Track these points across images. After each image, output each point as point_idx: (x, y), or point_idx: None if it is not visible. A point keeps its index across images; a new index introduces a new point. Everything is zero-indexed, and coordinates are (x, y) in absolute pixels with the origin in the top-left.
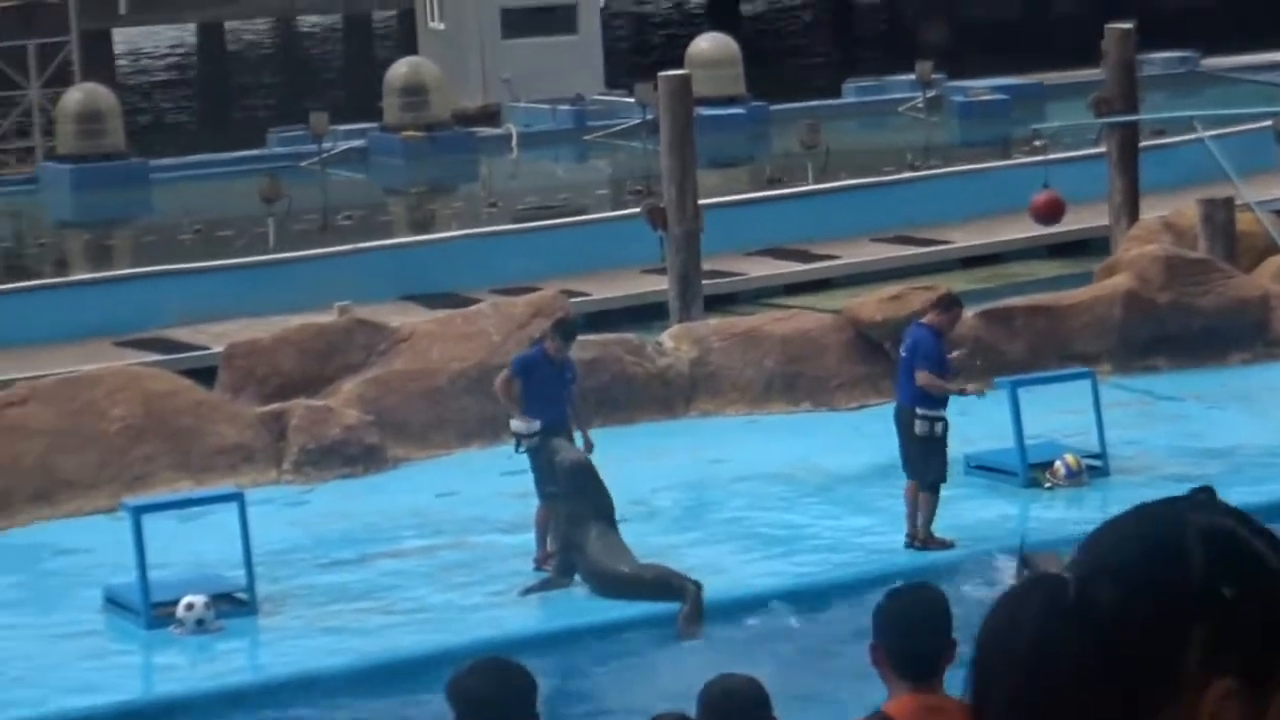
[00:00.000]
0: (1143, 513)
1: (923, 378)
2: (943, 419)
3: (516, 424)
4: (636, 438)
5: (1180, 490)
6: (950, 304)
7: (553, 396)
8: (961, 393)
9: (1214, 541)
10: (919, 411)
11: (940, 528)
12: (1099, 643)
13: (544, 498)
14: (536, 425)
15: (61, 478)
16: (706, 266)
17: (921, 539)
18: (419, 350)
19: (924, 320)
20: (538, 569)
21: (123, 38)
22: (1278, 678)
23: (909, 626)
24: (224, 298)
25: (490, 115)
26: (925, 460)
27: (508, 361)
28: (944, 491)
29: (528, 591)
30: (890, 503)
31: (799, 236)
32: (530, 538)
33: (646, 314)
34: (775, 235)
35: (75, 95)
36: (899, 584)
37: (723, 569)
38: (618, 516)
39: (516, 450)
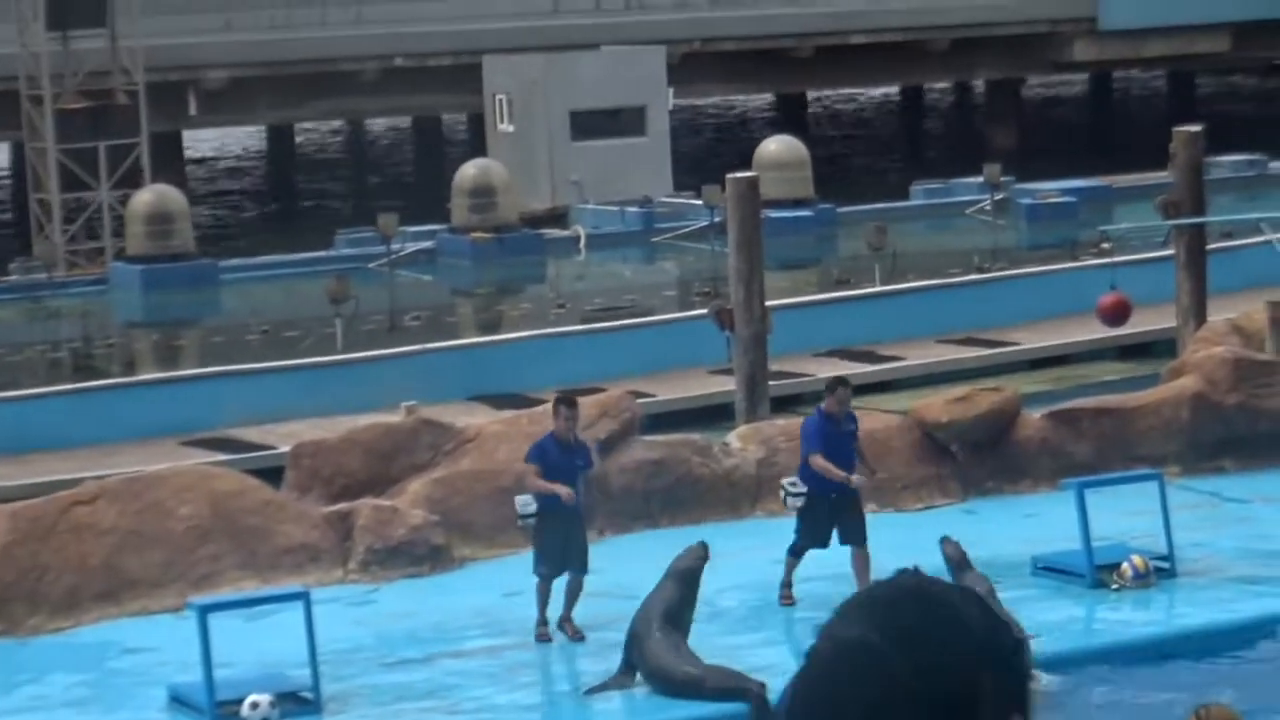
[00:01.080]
0: (896, 586)
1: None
2: (800, 494)
3: (517, 500)
4: (703, 538)
5: (1251, 592)
6: (833, 386)
7: (563, 481)
8: (846, 481)
9: (979, 605)
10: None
11: None
12: (916, 700)
13: (539, 576)
14: (534, 505)
15: (128, 577)
16: (773, 367)
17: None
18: (485, 450)
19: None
20: (538, 640)
21: (193, 139)
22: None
23: None
24: (291, 398)
25: (558, 217)
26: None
27: None
28: (1013, 591)
29: (591, 691)
30: None
31: (866, 338)
32: (597, 638)
33: (713, 415)
34: (842, 336)
35: (145, 196)
36: None
37: (788, 670)
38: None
39: (518, 526)
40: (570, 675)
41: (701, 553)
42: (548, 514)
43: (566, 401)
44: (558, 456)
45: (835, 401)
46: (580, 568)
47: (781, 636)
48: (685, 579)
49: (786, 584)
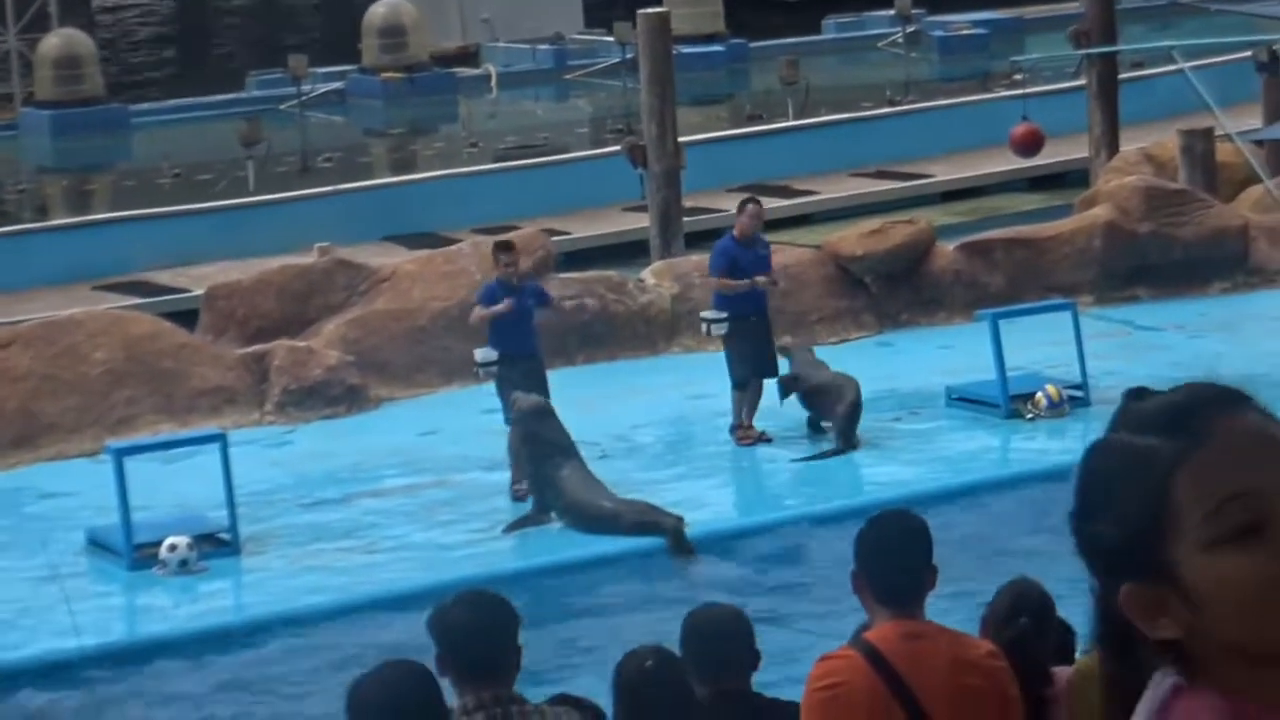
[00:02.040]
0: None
1: (710, 281)
2: (721, 319)
3: (477, 353)
4: (618, 374)
5: None
6: (743, 204)
7: (515, 324)
8: (751, 286)
9: None
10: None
11: (922, 458)
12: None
13: (510, 424)
14: (494, 355)
15: (43, 421)
16: (687, 203)
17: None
18: (400, 290)
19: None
20: (515, 499)
21: None
22: None
23: (890, 554)
24: (204, 241)
25: (469, 56)
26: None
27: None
28: (927, 423)
29: (509, 529)
30: (869, 435)
31: (779, 173)
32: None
33: (628, 251)
34: (755, 172)
35: (53, 41)
36: (879, 512)
37: (705, 503)
38: (602, 452)
39: (478, 377)
40: (489, 513)
41: (527, 393)
42: (505, 362)
43: (503, 247)
44: (506, 299)
45: (747, 218)
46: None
47: (699, 471)
48: (547, 413)
49: (738, 424)
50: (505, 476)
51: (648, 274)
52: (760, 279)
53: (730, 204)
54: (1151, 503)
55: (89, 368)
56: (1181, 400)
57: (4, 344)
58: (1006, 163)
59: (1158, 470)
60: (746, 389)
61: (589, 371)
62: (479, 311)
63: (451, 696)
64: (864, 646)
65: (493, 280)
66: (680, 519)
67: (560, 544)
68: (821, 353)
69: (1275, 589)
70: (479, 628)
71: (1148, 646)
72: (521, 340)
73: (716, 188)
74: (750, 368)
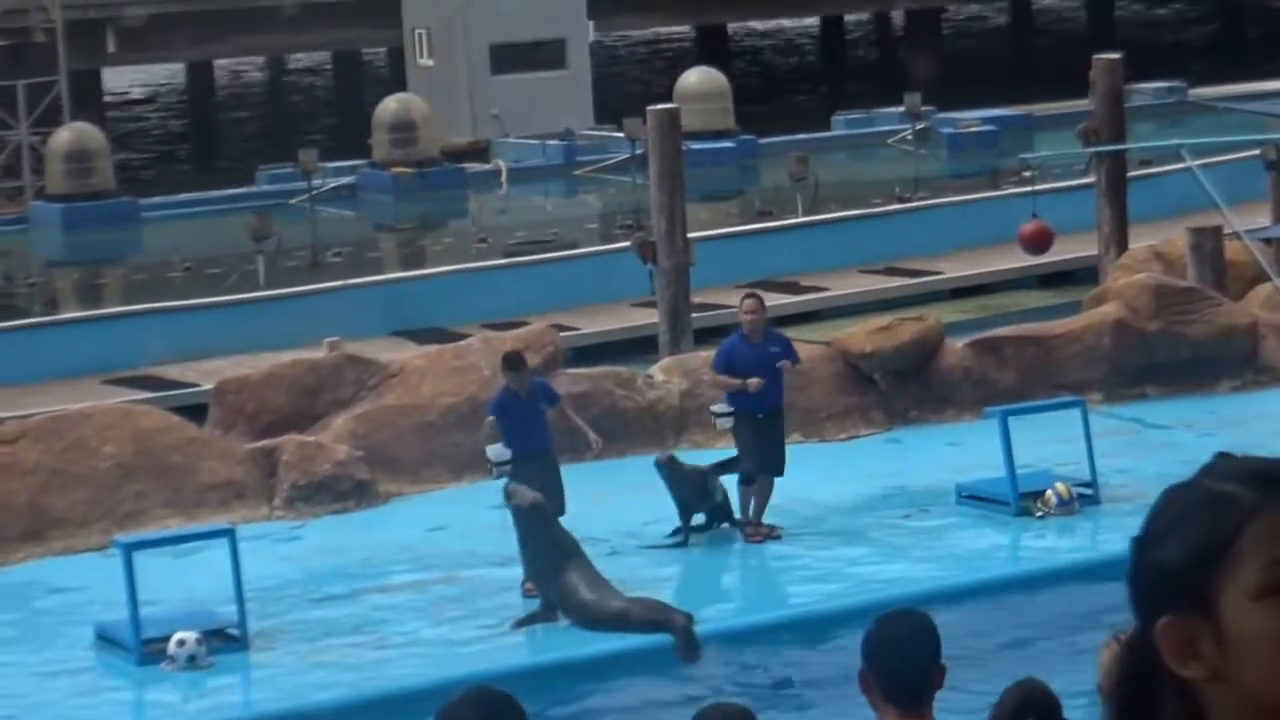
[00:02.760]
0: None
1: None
2: (727, 414)
3: (490, 451)
4: (627, 470)
5: None
6: (742, 300)
7: (528, 430)
8: (744, 388)
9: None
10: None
11: (932, 556)
12: None
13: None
14: (508, 454)
15: (53, 515)
16: (696, 299)
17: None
18: (409, 385)
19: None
20: (526, 596)
21: (112, 76)
22: None
23: (897, 652)
24: (214, 335)
25: (479, 151)
26: None
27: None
28: (937, 520)
29: (518, 625)
30: (881, 533)
31: (788, 269)
32: (520, 571)
33: (637, 347)
34: (765, 268)
35: (64, 135)
36: (888, 610)
37: (714, 600)
38: (611, 549)
39: (491, 475)
40: (498, 609)
41: (526, 489)
42: (519, 461)
43: (511, 364)
44: (516, 407)
45: (742, 314)
46: (560, 507)
47: (707, 568)
48: (544, 513)
49: (748, 520)
50: (515, 572)
51: (656, 370)
52: (752, 381)
53: (738, 300)
54: (1218, 538)
55: (98, 461)
56: (1270, 465)
57: (13, 438)
58: (1016, 260)
59: (1233, 512)
60: (752, 484)
61: (599, 467)
62: (490, 427)
63: None
64: None
65: (503, 390)
66: (689, 616)
67: (570, 641)
68: (830, 449)
69: None
70: None
71: (1164, 698)
72: (533, 439)
73: (726, 284)
74: (754, 464)
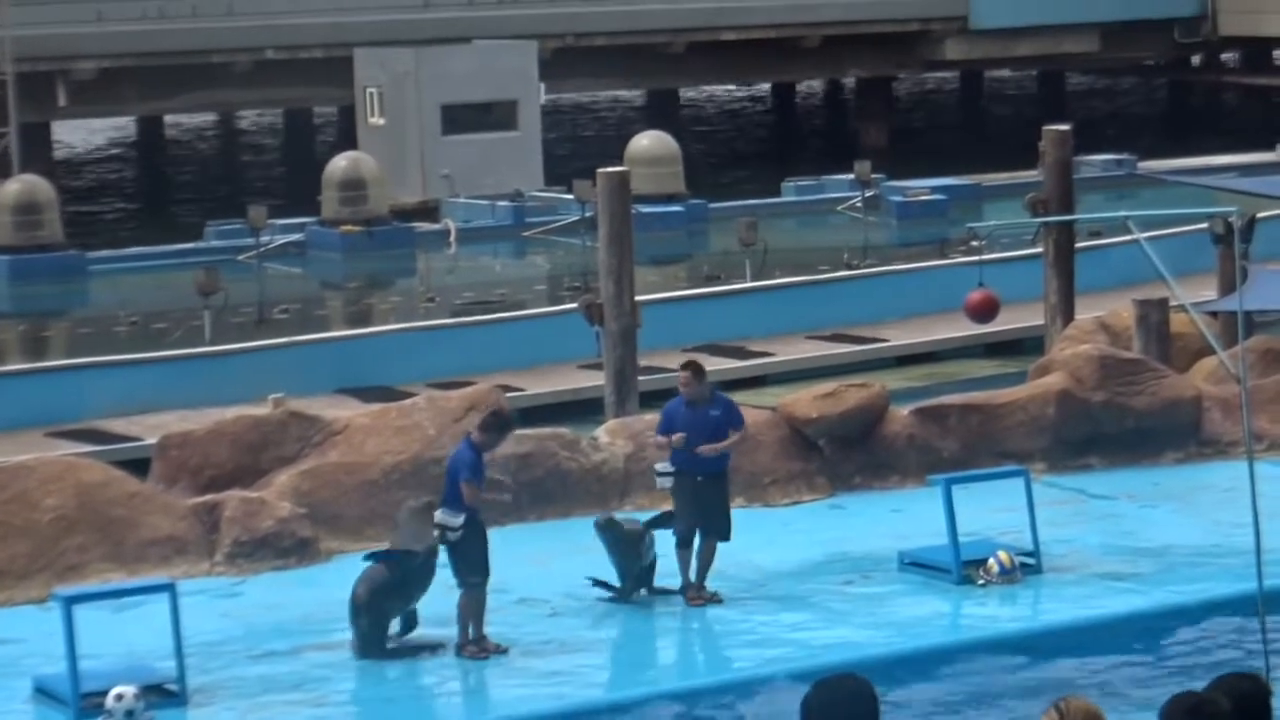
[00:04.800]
0: None
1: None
2: (668, 473)
3: (441, 517)
4: (571, 532)
5: (1116, 589)
6: (682, 367)
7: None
8: (677, 445)
9: None
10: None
11: (873, 623)
12: None
13: (468, 587)
14: (460, 520)
15: None
16: (643, 362)
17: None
18: (353, 443)
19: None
20: (458, 655)
21: (62, 129)
22: None
23: (836, 715)
24: (159, 389)
25: (429, 210)
26: None
27: (443, 455)
28: (879, 587)
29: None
30: (823, 599)
31: (736, 333)
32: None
33: (582, 409)
34: (712, 332)
35: (13, 187)
36: (826, 675)
37: (653, 664)
38: (552, 610)
39: (442, 542)
40: (437, 668)
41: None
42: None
43: (499, 429)
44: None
45: (680, 383)
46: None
47: (646, 631)
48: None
49: (688, 584)
50: (455, 630)
51: (601, 432)
52: (676, 436)
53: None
54: None
55: (39, 514)
56: None
57: None
58: (963, 328)
59: None
60: (689, 548)
61: (541, 528)
62: (473, 492)
63: None
64: None
65: (466, 448)
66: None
67: (514, 699)
68: (773, 514)
69: None
70: None
71: None
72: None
73: (673, 347)
74: (687, 526)
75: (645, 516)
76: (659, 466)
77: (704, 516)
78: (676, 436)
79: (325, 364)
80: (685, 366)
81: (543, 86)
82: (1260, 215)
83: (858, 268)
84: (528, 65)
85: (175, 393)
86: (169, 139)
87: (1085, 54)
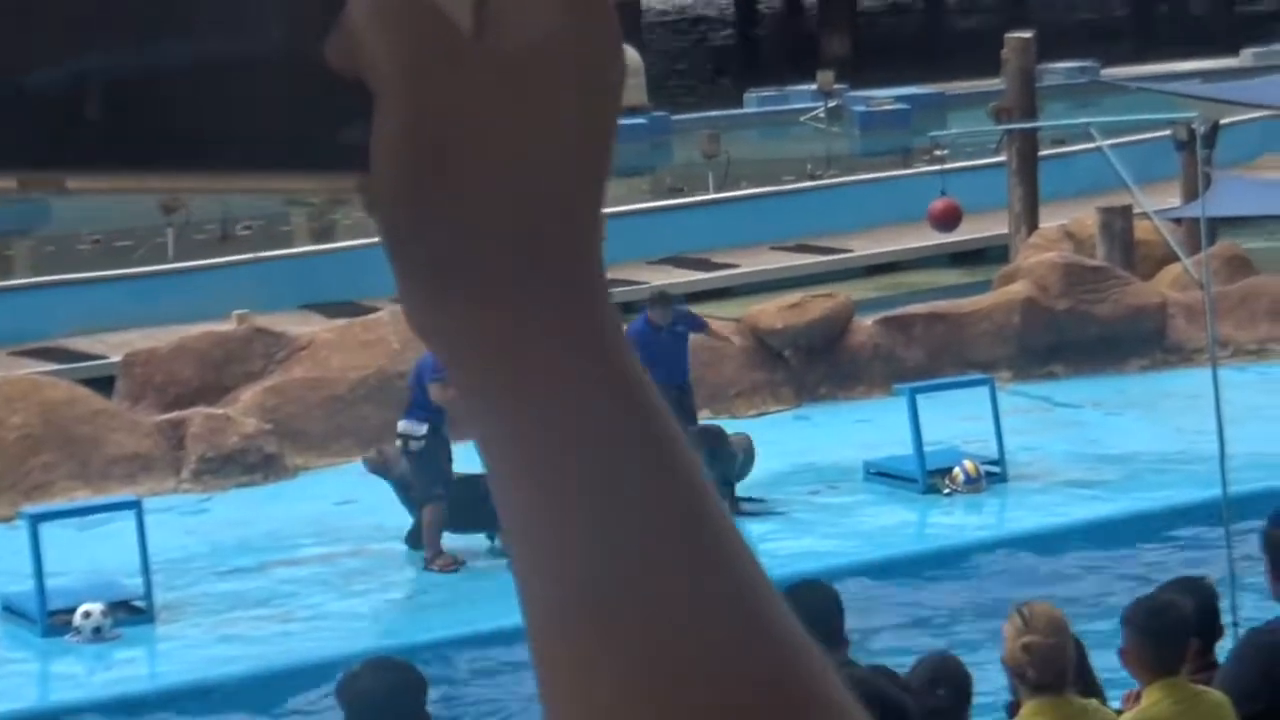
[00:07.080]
0: None
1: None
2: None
3: (405, 426)
4: None
5: (1080, 496)
6: (653, 300)
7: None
8: None
9: None
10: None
11: (839, 532)
12: None
13: (431, 499)
14: (424, 430)
15: None
16: (607, 275)
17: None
18: (318, 359)
19: None
20: (427, 568)
21: None
22: None
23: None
24: (122, 307)
25: None
26: None
27: (407, 370)
28: (845, 497)
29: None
30: (789, 508)
31: (700, 245)
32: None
33: None
34: (676, 244)
35: None
36: (793, 583)
37: None
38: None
39: (404, 451)
40: (404, 583)
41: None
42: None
43: (654, 299)
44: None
45: (656, 316)
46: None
47: None
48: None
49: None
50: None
51: None
52: None
53: (650, 276)
54: None
55: (4, 433)
56: None
57: None
58: (927, 238)
59: None
60: None
61: None
62: (441, 392)
63: None
64: None
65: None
66: None
67: (478, 615)
68: (739, 425)
69: None
70: (386, 696)
71: None
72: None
73: (637, 260)
74: None
75: None
76: None
77: None
78: None
79: (289, 280)
80: (655, 301)
81: None
82: (1223, 121)
83: (821, 178)
84: None
85: (139, 310)
86: None
87: None
